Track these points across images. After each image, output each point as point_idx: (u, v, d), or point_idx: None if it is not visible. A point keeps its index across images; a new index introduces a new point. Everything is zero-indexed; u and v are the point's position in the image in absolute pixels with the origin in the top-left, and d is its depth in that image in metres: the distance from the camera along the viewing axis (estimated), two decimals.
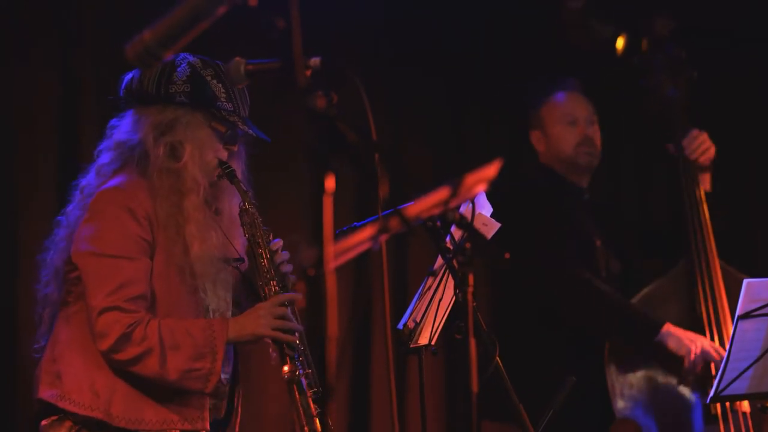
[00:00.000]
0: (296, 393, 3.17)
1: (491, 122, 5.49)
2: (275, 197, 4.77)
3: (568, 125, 4.27)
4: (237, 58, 3.19)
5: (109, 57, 3.96)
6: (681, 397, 3.91)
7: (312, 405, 3.15)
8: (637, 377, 3.95)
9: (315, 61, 2.94)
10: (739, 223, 5.58)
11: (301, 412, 3.15)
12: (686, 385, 3.91)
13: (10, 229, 4.45)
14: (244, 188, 3.28)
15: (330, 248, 1.90)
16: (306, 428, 3.14)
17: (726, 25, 5.35)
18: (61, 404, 3.14)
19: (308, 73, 2.89)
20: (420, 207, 2.68)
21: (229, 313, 3.29)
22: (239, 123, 3.28)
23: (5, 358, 4.39)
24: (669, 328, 3.90)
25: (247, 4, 2.27)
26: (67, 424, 3.14)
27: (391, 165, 2.39)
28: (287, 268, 3.28)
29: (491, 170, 2.80)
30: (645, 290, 4.06)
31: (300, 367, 3.18)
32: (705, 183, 4.25)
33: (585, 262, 4.11)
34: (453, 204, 2.63)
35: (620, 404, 3.91)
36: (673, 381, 3.93)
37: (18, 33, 4.52)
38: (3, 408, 4.41)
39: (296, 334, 3.21)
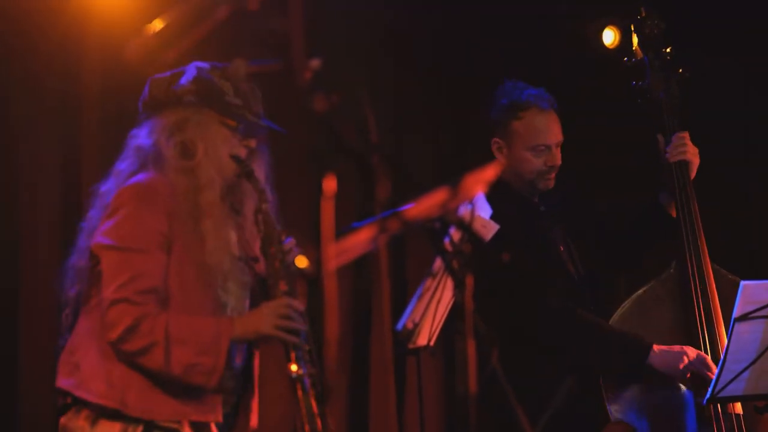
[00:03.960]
0: (299, 392, 3.22)
1: None
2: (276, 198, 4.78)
3: (537, 152, 4.07)
4: (238, 59, 3.21)
5: (112, 64, 3.99)
6: (674, 400, 3.91)
7: (314, 404, 3.21)
8: (631, 380, 3.94)
9: (316, 62, 2.96)
10: (739, 228, 5.62)
11: (304, 411, 3.21)
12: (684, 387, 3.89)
13: (11, 234, 4.46)
14: (261, 187, 3.33)
15: (330, 251, 1.91)
16: (307, 427, 3.18)
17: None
18: (77, 393, 3.20)
19: (309, 74, 2.92)
20: (419, 209, 2.69)
21: (246, 311, 3.34)
22: (249, 116, 3.34)
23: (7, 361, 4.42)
24: (654, 347, 3.86)
25: (247, 7, 2.28)
26: (84, 412, 3.20)
27: (391, 166, 2.41)
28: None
29: (490, 171, 2.81)
30: (637, 293, 4.04)
31: (304, 366, 3.23)
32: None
33: (557, 273, 4.07)
34: (452, 205, 2.65)
35: (614, 407, 3.91)
36: (665, 384, 3.91)
37: (21, 37, 4.53)
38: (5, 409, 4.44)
39: (302, 333, 3.25)
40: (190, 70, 3.34)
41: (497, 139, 4.13)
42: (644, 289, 4.02)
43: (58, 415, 3.26)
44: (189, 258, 3.23)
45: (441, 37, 5.45)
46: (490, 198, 3.69)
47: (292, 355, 3.23)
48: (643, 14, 4.26)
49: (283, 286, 3.29)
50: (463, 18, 5.43)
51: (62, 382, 3.24)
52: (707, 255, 4.03)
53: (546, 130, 4.10)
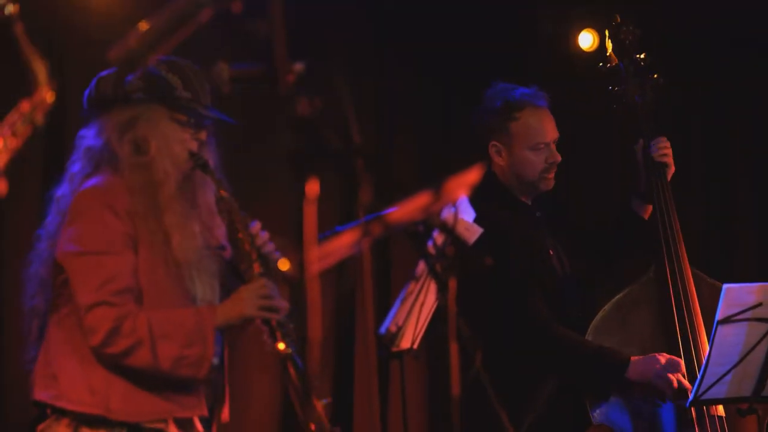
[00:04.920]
0: (291, 369, 3.21)
1: None
2: (259, 203, 4.78)
3: (538, 150, 4.05)
4: (220, 63, 3.19)
5: (97, 67, 3.93)
6: (656, 402, 3.92)
7: (308, 380, 3.18)
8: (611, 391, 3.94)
9: (299, 66, 2.95)
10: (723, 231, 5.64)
11: (299, 387, 3.18)
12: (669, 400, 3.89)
13: None
14: (218, 176, 3.31)
15: (312, 254, 1.91)
16: (303, 403, 3.17)
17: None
18: (59, 404, 3.17)
19: (291, 78, 2.91)
20: (403, 212, 2.69)
21: (217, 300, 3.31)
22: (200, 109, 3.31)
23: None
24: (631, 359, 3.86)
25: (230, 10, 2.28)
26: (65, 420, 3.17)
27: (376, 170, 2.40)
28: (269, 247, 3.31)
29: (473, 174, 2.81)
30: (617, 297, 4.04)
31: (291, 344, 3.22)
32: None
33: (543, 277, 4.07)
34: (435, 208, 2.65)
35: (596, 410, 3.92)
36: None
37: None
38: None
39: (283, 312, 3.25)
40: None
41: (495, 143, 4.09)
42: (623, 293, 4.02)
43: (35, 424, 3.22)
44: (156, 255, 3.21)
45: (428, 38, 5.45)
46: (486, 201, 3.68)
47: (278, 333, 3.22)
48: (618, 21, 4.27)
49: (257, 269, 3.27)
50: (451, 19, 5.43)
51: (40, 394, 3.20)
52: (686, 258, 4.04)
53: (544, 127, 4.09)
